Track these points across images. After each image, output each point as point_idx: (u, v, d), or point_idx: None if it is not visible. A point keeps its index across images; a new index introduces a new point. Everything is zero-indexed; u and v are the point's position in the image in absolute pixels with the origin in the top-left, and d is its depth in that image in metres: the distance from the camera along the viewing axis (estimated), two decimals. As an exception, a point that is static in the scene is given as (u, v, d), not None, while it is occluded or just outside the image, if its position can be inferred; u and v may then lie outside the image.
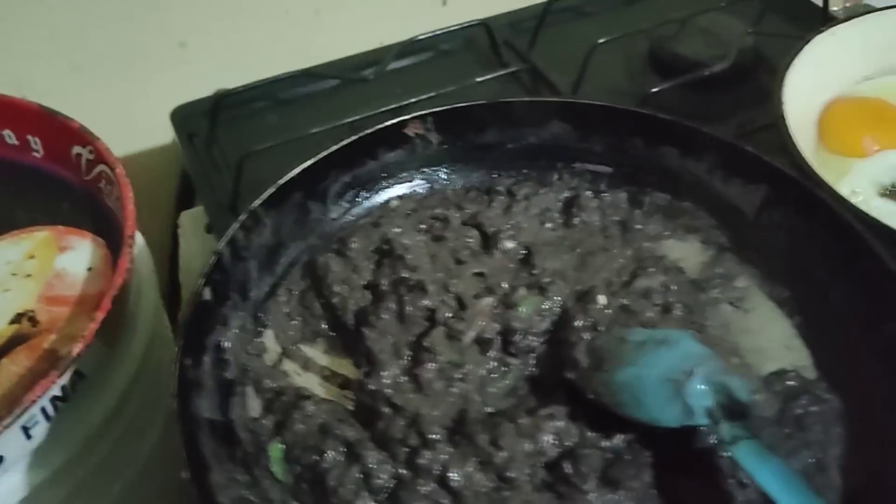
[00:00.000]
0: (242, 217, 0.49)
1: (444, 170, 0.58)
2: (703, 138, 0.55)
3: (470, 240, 0.53)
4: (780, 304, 0.51)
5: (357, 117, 0.65)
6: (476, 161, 0.59)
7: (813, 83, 0.61)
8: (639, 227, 0.55)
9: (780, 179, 0.52)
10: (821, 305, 0.49)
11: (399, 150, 0.57)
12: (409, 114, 0.57)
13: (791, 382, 0.46)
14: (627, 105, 0.57)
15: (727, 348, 0.47)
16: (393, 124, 0.56)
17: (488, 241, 0.53)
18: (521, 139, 0.58)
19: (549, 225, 0.56)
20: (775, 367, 0.47)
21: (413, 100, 0.67)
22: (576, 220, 0.56)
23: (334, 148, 0.54)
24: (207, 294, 0.45)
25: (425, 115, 0.56)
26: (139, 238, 0.54)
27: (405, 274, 0.49)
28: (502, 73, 0.73)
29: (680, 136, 0.56)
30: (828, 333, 0.49)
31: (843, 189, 0.57)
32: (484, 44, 0.79)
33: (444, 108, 0.57)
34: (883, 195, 0.57)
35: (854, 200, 0.57)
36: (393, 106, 0.67)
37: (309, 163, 0.53)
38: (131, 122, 0.76)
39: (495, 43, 0.77)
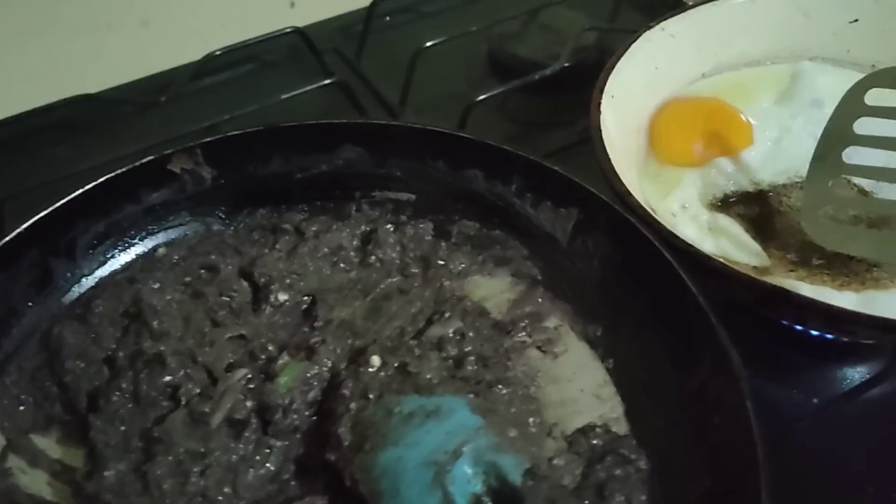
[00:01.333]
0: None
1: (222, 209, 0.51)
2: (509, 159, 0.48)
3: (235, 294, 0.45)
4: (593, 344, 0.45)
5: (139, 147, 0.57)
6: (259, 196, 0.51)
7: (642, 85, 0.55)
8: (442, 262, 0.48)
9: (591, 202, 0.46)
10: (633, 346, 0.43)
11: (164, 189, 0.49)
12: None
13: (597, 441, 0.40)
14: (424, 124, 0.50)
15: (525, 410, 0.41)
16: (153, 160, 0.48)
17: (258, 295, 0.45)
18: (311, 168, 0.51)
19: (342, 265, 0.49)
20: (583, 422, 0.41)
21: (209, 123, 0.60)
22: (372, 259, 0.49)
23: (78, 192, 0.46)
24: None
25: (193, 147, 0.49)
26: None
27: (146, 344, 0.41)
28: (323, 83, 0.65)
29: (484, 157, 0.49)
30: (639, 379, 0.42)
31: (673, 204, 0.52)
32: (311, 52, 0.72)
33: (215, 137, 0.49)
34: (714, 207, 0.52)
35: (683, 216, 0.51)
36: (187, 131, 0.59)
37: (44, 213, 0.45)
38: None
39: (316, 51, 0.69)
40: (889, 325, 0.39)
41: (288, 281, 0.46)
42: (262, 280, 0.46)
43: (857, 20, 0.57)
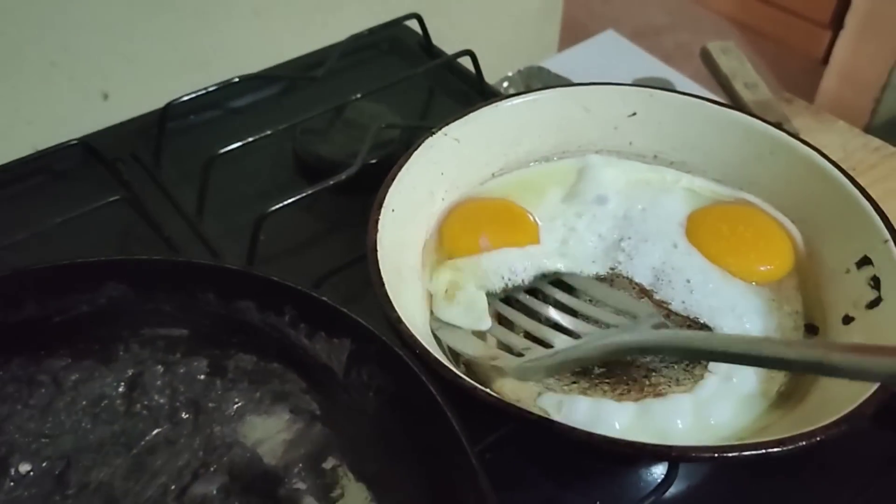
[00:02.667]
0: None
1: (-32, 363, 0.46)
2: (278, 289, 0.46)
3: (-35, 472, 0.41)
4: (370, 484, 0.43)
5: None
6: (14, 345, 0.47)
7: (428, 192, 0.54)
8: (213, 405, 0.46)
9: (361, 332, 0.44)
10: (407, 486, 0.42)
11: None
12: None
13: None
14: (188, 257, 0.47)
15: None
16: None
17: (-5, 468, 0.41)
18: (71, 310, 0.47)
19: (104, 417, 0.45)
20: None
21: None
22: (138, 406, 0.45)
23: None
24: None
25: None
26: None
27: None
28: (109, 200, 0.61)
29: (253, 287, 0.47)
30: (416, 524, 0.41)
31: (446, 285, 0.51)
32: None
33: (-51, 286, 0.45)
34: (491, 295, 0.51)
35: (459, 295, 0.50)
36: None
37: None
38: None
39: (104, 160, 0.66)
40: (646, 450, 0.39)
41: (35, 447, 0.42)
42: (2, 450, 0.42)
43: (635, 114, 0.58)
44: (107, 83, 0.89)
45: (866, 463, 0.51)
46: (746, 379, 0.47)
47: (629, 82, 0.63)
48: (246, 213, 0.60)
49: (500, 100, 0.57)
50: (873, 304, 0.47)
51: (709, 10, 2.37)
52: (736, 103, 0.78)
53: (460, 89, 0.78)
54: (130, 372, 0.47)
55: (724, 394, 0.47)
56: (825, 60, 2.00)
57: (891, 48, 1.83)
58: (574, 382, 0.48)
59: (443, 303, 0.51)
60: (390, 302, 0.45)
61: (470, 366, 0.49)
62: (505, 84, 0.85)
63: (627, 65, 0.94)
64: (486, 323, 0.50)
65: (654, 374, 0.48)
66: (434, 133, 0.55)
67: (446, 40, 0.84)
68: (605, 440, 0.39)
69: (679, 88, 0.88)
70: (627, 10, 2.35)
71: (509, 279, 0.52)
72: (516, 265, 0.52)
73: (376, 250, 0.48)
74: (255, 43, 0.95)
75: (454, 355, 0.49)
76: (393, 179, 0.52)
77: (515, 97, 0.58)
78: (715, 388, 0.47)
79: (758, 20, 2.26)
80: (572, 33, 1.20)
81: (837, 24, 1.94)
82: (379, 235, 0.49)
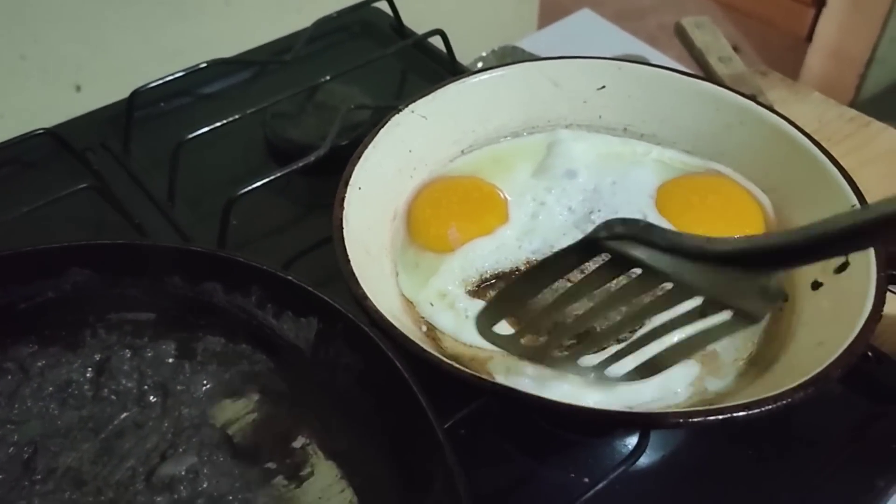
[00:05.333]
0: None
1: (-69, 353, 0.46)
2: (243, 269, 0.46)
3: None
4: (340, 462, 0.43)
5: None
6: (-22, 333, 0.47)
7: (396, 170, 0.54)
8: (182, 387, 0.45)
9: (328, 310, 0.44)
10: (378, 463, 0.41)
11: None
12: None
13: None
14: (153, 240, 0.47)
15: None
16: None
17: (-39, 456, 0.41)
18: (36, 296, 0.47)
19: (72, 402, 0.45)
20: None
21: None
22: (106, 391, 0.45)
23: None
24: None
25: None
26: None
27: None
28: (77, 188, 0.60)
29: (218, 268, 0.46)
30: (388, 499, 0.41)
31: (432, 293, 0.50)
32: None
33: None
34: (472, 293, 0.51)
35: (440, 305, 0.50)
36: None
37: None
38: None
39: (73, 150, 0.65)
40: (612, 417, 0.39)
41: (1, 433, 0.42)
42: (-33, 439, 0.41)
43: (604, 87, 0.58)
44: (79, 75, 0.88)
45: (840, 428, 0.52)
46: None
47: (607, 59, 0.62)
48: (217, 197, 0.59)
49: (468, 76, 0.57)
50: (841, 268, 0.47)
51: (693, -9, 2.36)
52: (711, 77, 0.77)
53: (433, 69, 0.77)
54: (98, 357, 0.46)
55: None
56: (809, 38, 2.00)
57: (874, 24, 1.83)
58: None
59: (447, 314, 0.50)
60: (356, 279, 0.45)
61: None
62: (479, 64, 0.84)
63: (604, 44, 0.93)
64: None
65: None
66: (401, 110, 0.55)
67: (423, 21, 0.83)
68: (569, 408, 0.39)
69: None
70: (611, -10, 2.35)
71: (484, 272, 0.52)
72: (487, 260, 0.52)
73: (342, 227, 0.47)
74: (228, 30, 0.94)
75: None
76: (359, 157, 0.52)
77: (483, 73, 0.57)
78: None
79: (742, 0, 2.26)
80: (554, 13, 1.20)
81: (820, 1, 1.94)
82: (345, 213, 0.48)
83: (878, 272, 0.45)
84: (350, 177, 0.50)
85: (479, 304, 0.50)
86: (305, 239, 0.59)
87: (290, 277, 0.45)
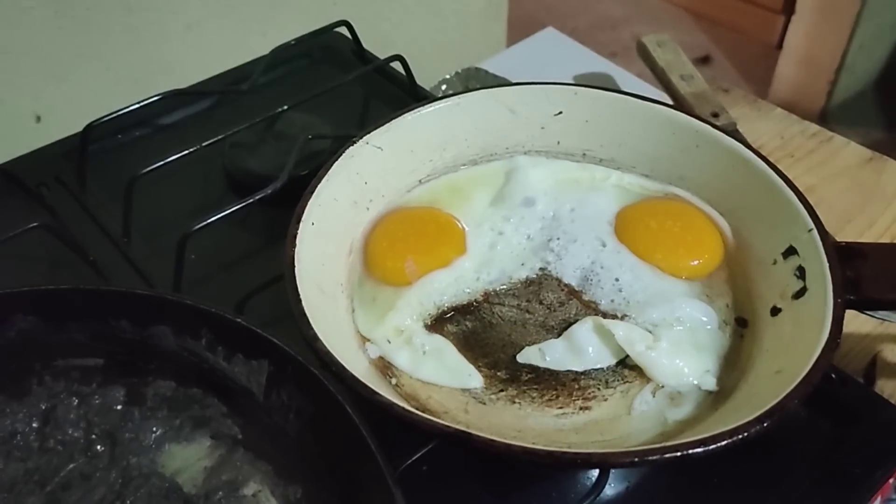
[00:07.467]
0: None
1: None
2: (193, 312, 0.45)
3: None
4: (294, 508, 0.42)
5: None
6: (-80, 385, 0.45)
7: (351, 203, 0.53)
8: (131, 435, 0.44)
9: (278, 353, 0.43)
10: (329, 510, 0.41)
11: None
12: None
13: None
14: (96, 285, 0.46)
15: None
16: None
17: None
18: (-21, 344, 0.46)
19: (17, 454, 0.44)
20: None
21: None
22: (52, 442, 0.44)
23: None
24: None
25: None
26: None
27: None
28: (28, 227, 0.59)
29: (167, 312, 0.45)
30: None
31: (389, 329, 0.49)
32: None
33: None
34: (429, 327, 0.50)
35: (398, 341, 0.49)
36: None
37: None
38: None
39: (25, 186, 0.64)
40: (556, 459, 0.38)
41: (-62, 492, 0.41)
42: None
43: (561, 112, 0.58)
44: (38, 105, 0.87)
45: (805, 452, 0.51)
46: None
47: (569, 80, 0.62)
48: (175, 232, 0.58)
49: (422, 105, 0.56)
50: (799, 293, 0.47)
51: (665, 1, 2.38)
52: (672, 95, 0.78)
53: (395, 95, 0.76)
54: (44, 406, 0.45)
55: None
56: (780, 45, 2.01)
57: (842, 31, 1.85)
58: (502, 391, 0.47)
59: (403, 351, 0.49)
60: (307, 319, 0.44)
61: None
62: (443, 87, 0.84)
63: (569, 62, 0.93)
64: (476, 380, 0.48)
65: (582, 377, 0.47)
66: (355, 142, 0.54)
67: (387, 44, 0.82)
68: (523, 450, 0.38)
69: (620, 83, 0.88)
70: (583, 2, 2.36)
71: (442, 305, 0.51)
72: (445, 293, 0.51)
73: (293, 266, 0.46)
74: (190, 57, 0.93)
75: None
76: (312, 192, 0.51)
77: (437, 101, 0.57)
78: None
79: (713, 9, 2.28)
80: (525, 30, 1.19)
81: (790, 9, 1.95)
82: (297, 251, 0.47)
83: (835, 298, 0.44)
84: (303, 212, 0.50)
85: (437, 339, 0.49)
86: (265, 273, 0.58)
87: (239, 320, 0.44)
